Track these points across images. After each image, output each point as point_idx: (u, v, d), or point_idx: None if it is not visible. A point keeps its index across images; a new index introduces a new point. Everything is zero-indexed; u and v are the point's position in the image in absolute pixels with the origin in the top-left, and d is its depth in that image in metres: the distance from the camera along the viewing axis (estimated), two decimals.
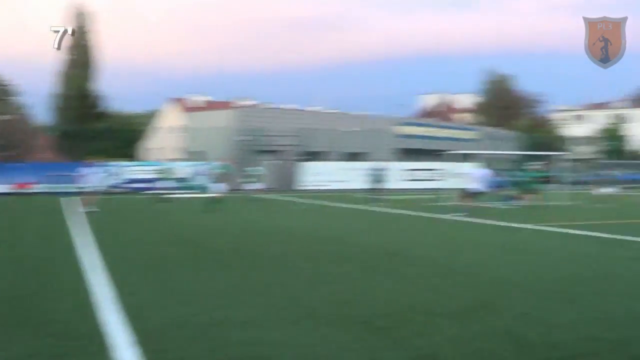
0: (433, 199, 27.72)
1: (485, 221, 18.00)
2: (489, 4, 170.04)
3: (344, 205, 25.31)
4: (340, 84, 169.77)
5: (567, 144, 73.98)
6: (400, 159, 50.49)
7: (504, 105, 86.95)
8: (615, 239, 13.30)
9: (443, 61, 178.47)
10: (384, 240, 13.18)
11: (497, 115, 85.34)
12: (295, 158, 44.89)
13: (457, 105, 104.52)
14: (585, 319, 6.08)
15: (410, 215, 20.67)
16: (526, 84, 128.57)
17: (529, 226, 16.35)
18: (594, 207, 24.51)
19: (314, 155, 47.38)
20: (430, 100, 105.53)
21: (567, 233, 14.82)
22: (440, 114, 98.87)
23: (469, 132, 61.25)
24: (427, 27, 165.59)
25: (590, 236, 13.95)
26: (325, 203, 27.09)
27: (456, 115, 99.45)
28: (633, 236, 13.68)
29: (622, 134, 77.13)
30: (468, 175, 21.05)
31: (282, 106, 64.98)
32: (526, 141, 65.35)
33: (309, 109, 65.42)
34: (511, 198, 27.62)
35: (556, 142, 73.17)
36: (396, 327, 5.76)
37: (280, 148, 45.43)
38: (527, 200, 24.27)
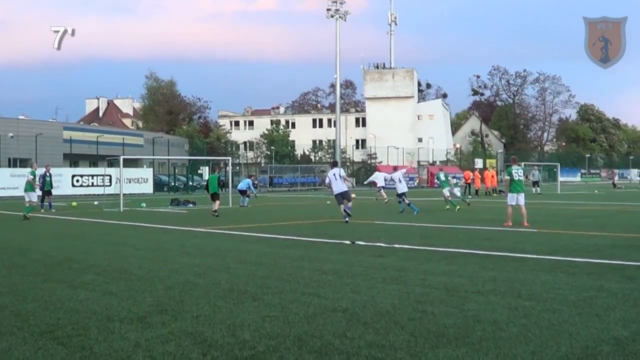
0: (101, 204, 28.31)
1: (160, 225, 18.49)
2: (148, 10, 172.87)
3: (15, 213, 24.21)
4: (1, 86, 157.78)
5: (232, 149, 77.43)
6: (67, 165, 50.67)
7: (167, 110, 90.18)
8: (284, 239, 13.97)
9: (107, 65, 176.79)
10: (59, 247, 12.81)
11: (162, 120, 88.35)
12: None
13: (122, 110, 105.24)
14: (267, 317, 6.28)
15: (80, 221, 20.78)
16: (189, 89, 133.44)
17: (203, 229, 16.86)
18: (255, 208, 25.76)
19: None
20: (96, 105, 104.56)
21: (239, 235, 15.35)
22: (106, 118, 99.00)
23: (135, 137, 62.59)
24: (90, 30, 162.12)
25: (261, 237, 14.54)
26: None
27: (122, 120, 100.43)
28: (295, 235, 14.56)
29: (285, 139, 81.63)
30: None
31: None
32: (193, 146, 68.57)
33: None
34: (188, 202, 29.02)
35: (222, 147, 76.48)
36: (79, 335, 5.64)
37: None
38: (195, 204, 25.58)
